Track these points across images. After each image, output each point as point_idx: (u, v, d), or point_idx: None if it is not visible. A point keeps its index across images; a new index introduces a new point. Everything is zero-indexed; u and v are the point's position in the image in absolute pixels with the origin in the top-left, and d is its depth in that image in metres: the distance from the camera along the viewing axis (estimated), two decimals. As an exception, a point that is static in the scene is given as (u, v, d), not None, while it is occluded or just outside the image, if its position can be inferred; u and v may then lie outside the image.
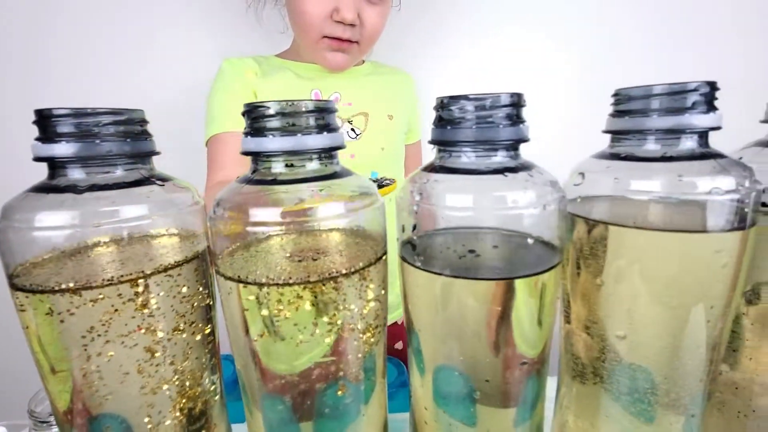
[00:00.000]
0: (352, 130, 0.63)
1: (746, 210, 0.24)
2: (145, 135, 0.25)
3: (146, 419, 0.25)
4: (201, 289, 0.27)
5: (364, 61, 0.71)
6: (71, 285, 0.22)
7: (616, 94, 0.27)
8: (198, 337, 0.27)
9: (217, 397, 0.30)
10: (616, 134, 0.27)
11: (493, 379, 0.25)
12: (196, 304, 0.26)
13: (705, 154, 0.25)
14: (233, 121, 0.59)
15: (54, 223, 0.21)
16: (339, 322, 0.23)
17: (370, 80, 0.68)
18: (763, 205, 0.27)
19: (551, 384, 0.30)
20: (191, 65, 0.75)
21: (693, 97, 0.24)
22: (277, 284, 0.22)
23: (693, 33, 0.78)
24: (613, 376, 0.27)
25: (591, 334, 0.28)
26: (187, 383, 0.26)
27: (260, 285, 0.22)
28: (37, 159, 0.22)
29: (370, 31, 0.59)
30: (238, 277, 0.22)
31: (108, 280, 0.22)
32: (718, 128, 0.25)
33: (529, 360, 0.25)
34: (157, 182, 0.25)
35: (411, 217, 0.25)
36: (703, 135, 0.25)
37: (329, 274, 0.22)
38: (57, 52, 0.74)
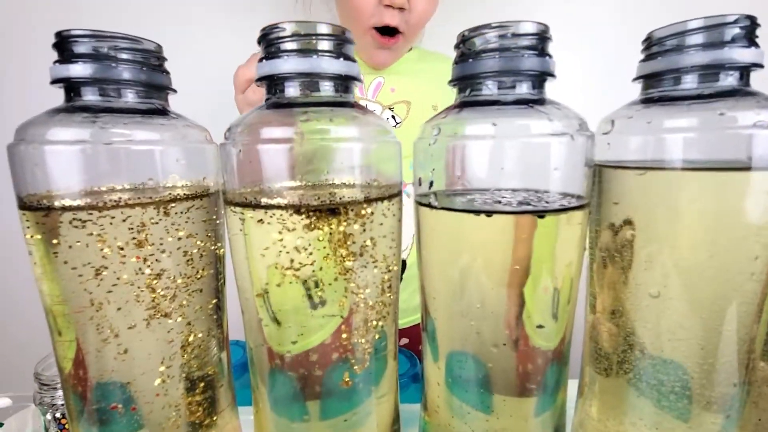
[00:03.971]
0: (393, 117, 0.61)
1: (796, 146, 0.22)
2: (162, 69, 0.25)
3: (155, 383, 0.24)
4: (209, 234, 0.26)
5: (411, 48, 0.67)
6: (78, 203, 0.21)
7: (647, 39, 0.26)
8: (206, 288, 0.26)
9: (224, 373, 0.28)
10: (648, 78, 0.25)
11: (509, 357, 0.24)
12: (204, 247, 0.26)
13: (747, 92, 0.23)
14: None
15: (66, 138, 0.21)
16: (351, 257, 0.22)
17: (417, 68, 0.65)
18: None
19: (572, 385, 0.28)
20: (237, 59, 0.76)
21: (732, 31, 0.23)
22: (286, 207, 0.21)
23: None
24: (640, 368, 0.25)
25: (617, 321, 0.26)
26: (194, 341, 0.25)
27: (269, 208, 0.21)
28: (54, 81, 0.22)
29: (418, 18, 0.56)
30: (248, 200, 0.21)
31: (115, 202, 0.22)
32: (759, 66, 0.23)
33: (548, 328, 0.24)
34: (172, 114, 0.25)
35: (428, 160, 0.24)
36: (743, 73, 0.23)
37: (341, 199, 0.21)
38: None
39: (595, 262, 0.28)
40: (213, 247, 0.26)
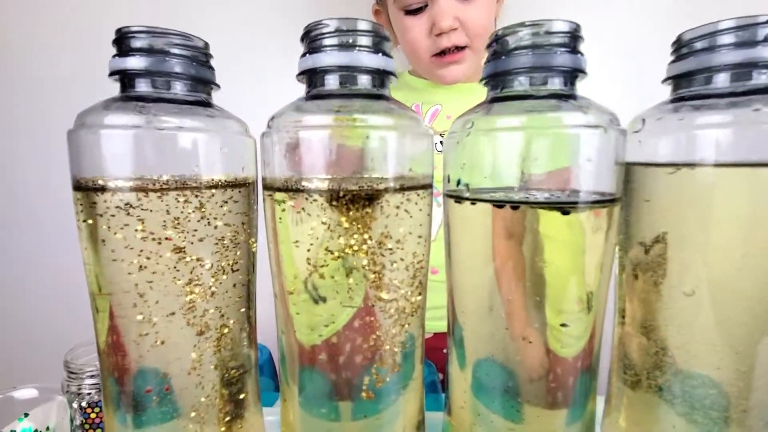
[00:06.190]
0: (441, 142, 0.62)
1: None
2: (209, 65, 0.27)
3: (187, 370, 0.25)
4: (243, 224, 0.27)
5: None
6: (127, 185, 0.22)
7: (676, 41, 0.26)
8: (238, 281, 0.27)
9: (252, 368, 0.29)
10: (678, 78, 0.26)
11: (538, 361, 0.24)
12: (237, 235, 0.26)
13: (781, 89, 0.23)
14: None
15: (121, 123, 0.22)
16: (383, 245, 0.23)
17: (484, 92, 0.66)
18: None
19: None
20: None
21: (765, 30, 0.23)
22: (324, 192, 0.21)
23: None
24: (670, 382, 0.25)
25: (648, 331, 0.26)
26: (227, 333, 0.26)
27: (309, 192, 0.22)
28: (112, 73, 0.24)
29: (474, 29, 0.57)
30: (288, 186, 0.22)
31: (159, 187, 0.23)
32: (794, 64, 0.23)
33: (573, 326, 0.23)
34: (215, 107, 0.26)
35: (459, 156, 0.25)
36: (777, 72, 0.23)
37: (373, 186, 0.22)
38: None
39: (625, 272, 0.28)
40: (247, 241, 0.27)
